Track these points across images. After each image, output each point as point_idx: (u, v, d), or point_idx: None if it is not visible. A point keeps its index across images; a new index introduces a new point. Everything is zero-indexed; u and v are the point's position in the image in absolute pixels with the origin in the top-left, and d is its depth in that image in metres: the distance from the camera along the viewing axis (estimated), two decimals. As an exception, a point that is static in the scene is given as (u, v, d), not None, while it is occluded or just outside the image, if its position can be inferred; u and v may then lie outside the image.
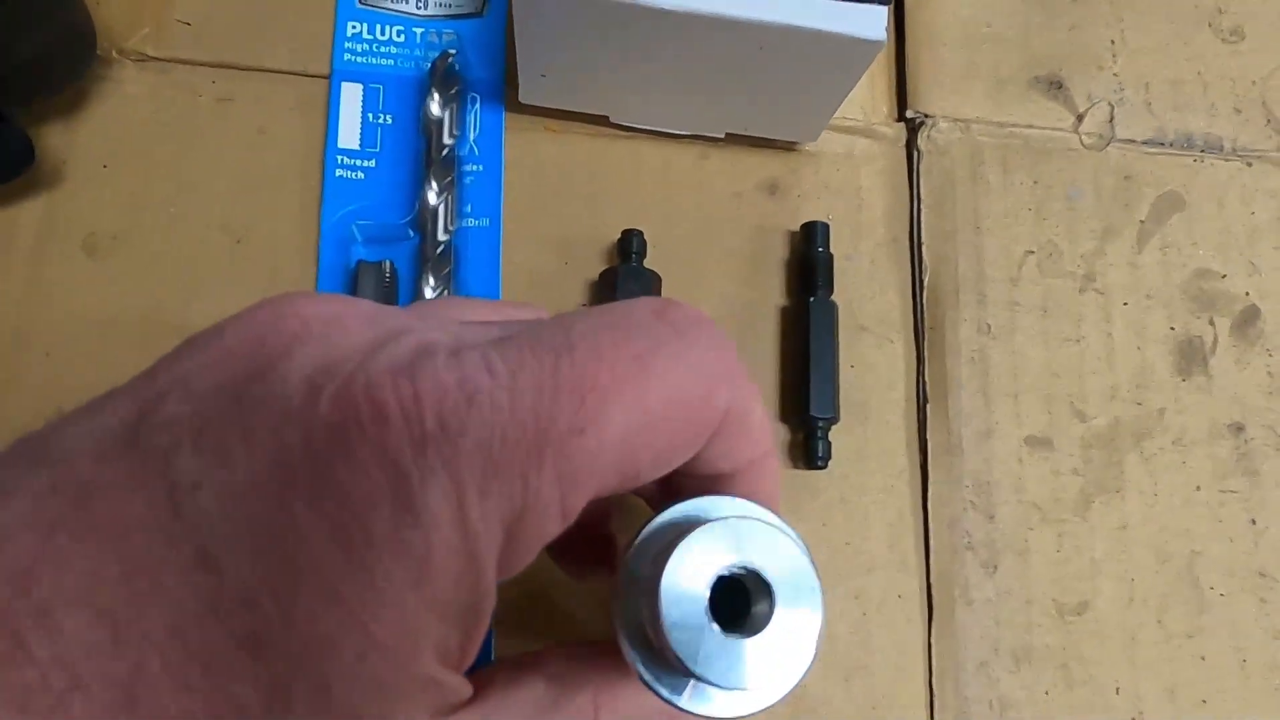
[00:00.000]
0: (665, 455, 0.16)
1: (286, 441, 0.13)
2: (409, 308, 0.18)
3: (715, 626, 0.17)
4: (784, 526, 0.19)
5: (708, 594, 0.18)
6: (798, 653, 0.18)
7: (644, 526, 0.21)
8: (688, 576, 0.18)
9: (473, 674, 0.17)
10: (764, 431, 0.19)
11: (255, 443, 0.13)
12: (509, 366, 0.14)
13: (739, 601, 0.19)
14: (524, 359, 0.14)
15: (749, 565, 0.18)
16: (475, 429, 0.14)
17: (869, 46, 0.27)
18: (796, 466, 0.31)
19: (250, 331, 0.15)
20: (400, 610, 0.13)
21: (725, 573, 0.18)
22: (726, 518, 0.18)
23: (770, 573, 0.18)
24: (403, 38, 0.33)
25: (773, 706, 0.20)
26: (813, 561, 0.19)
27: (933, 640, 0.30)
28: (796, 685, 0.19)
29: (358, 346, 0.14)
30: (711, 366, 0.16)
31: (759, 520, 0.18)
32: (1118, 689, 0.30)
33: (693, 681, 0.19)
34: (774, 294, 0.33)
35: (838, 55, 0.27)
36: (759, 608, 0.19)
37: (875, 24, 0.26)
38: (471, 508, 0.14)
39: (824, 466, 0.30)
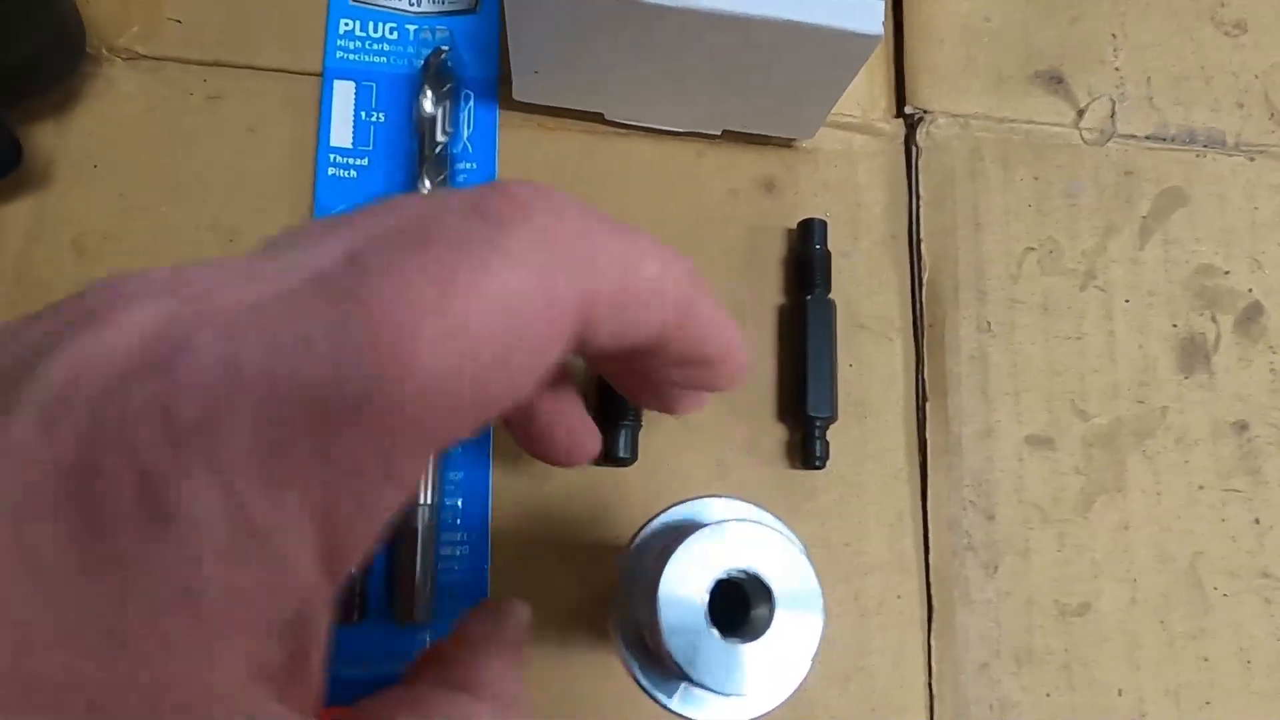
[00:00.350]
0: (517, 377, 0.13)
1: (29, 479, 0.11)
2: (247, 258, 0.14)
3: (714, 631, 0.17)
4: (784, 529, 0.19)
5: (706, 598, 0.18)
6: (798, 658, 0.18)
7: (641, 529, 0.20)
8: (686, 580, 0.18)
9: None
10: (711, 327, 0.17)
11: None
12: (290, 329, 0.12)
13: (736, 605, 0.19)
14: (305, 315, 0.12)
15: (748, 569, 0.18)
16: (247, 411, 0.11)
17: (866, 41, 0.26)
18: (794, 466, 0.30)
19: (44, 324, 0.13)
20: (171, 637, 0.11)
21: (724, 576, 0.18)
22: (725, 521, 0.18)
23: (770, 577, 0.18)
24: (395, 35, 0.33)
25: (769, 714, 0.19)
26: (812, 564, 0.18)
27: (933, 641, 0.29)
28: (796, 690, 0.19)
29: (116, 342, 0.12)
30: (546, 256, 0.13)
31: (758, 523, 0.18)
32: (1120, 691, 0.29)
33: (688, 686, 0.19)
34: (771, 292, 0.32)
35: (834, 50, 0.27)
36: (758, 612, 0.18)
37: (872, 18, 0.26)
38: (254, 503, 0.12)
39: (822, 466, 0.30)
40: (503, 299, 0.13)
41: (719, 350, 0.18)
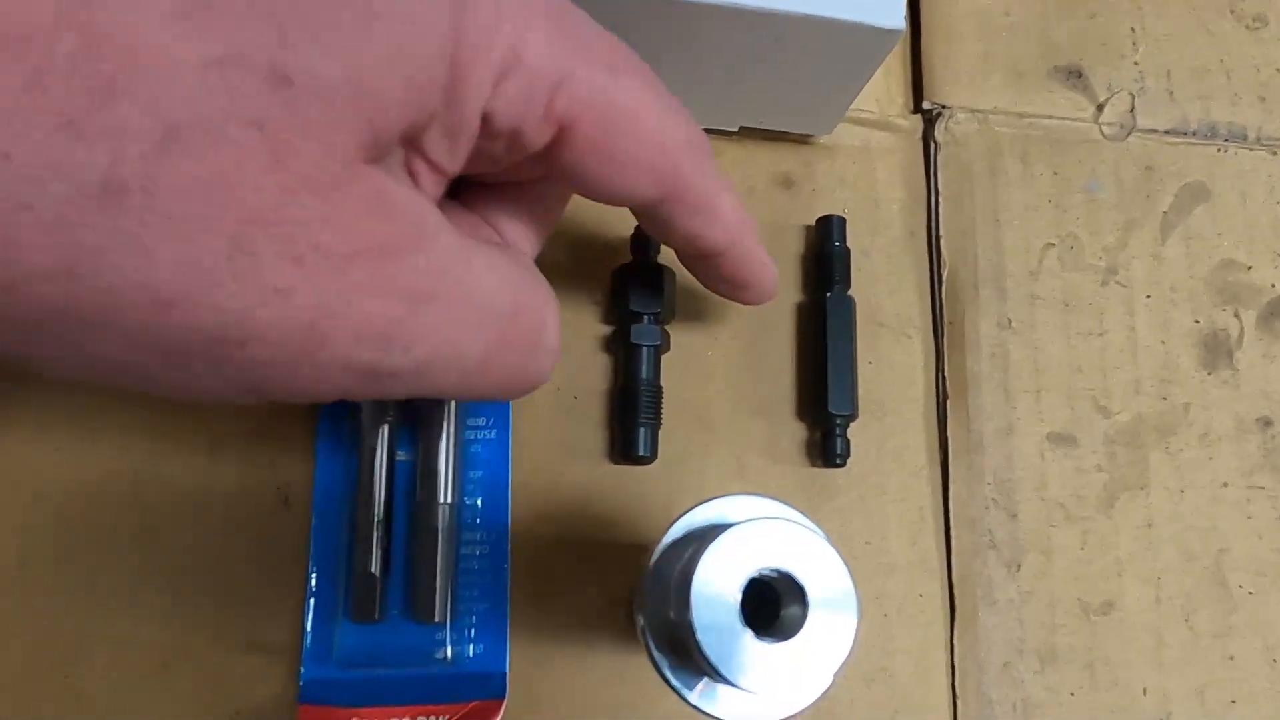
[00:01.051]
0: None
1: None
2: None
3: (748, 631, 0.17)
4: (815, 528, 0.19)
5: (739, 597, 0.17)
6: (831, 657, 0.17)
7: (671, 526, 0.20)
8: (719, 579, 0.17)
9: None
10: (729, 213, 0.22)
11: None
12: None
13: (769, 604, 0.19)
14: None
15: (781, 568, 0.18)
16: None
17: (886, 36, 0.26)
18: (815, 465, 0.30)
19: None
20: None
21: (757, 575, 0.18)
22: (757, 519, 0.18)
23: (804, 576, 0.18)
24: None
25: (800, 714, 0.19)
26: (846, 564, 0.18)
27: (955, 641, 0.29)
28: (825, 692, 0.19)
29: None
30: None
31: (791, 521, 0.18)
32: (1145, 690, 0.29)
33: (719, 685, 0.19)
34: (790, 290, 0.32)
35: (854, 45, 0.27)
36: (790, 611, 0.18)
37: (893, 12, 0.26)
38: None
39: (843, 464, 0.29)
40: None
41: (722, 243, 0.23)
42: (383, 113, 0.15)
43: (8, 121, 0.12)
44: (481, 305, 0.18)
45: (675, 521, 0.20)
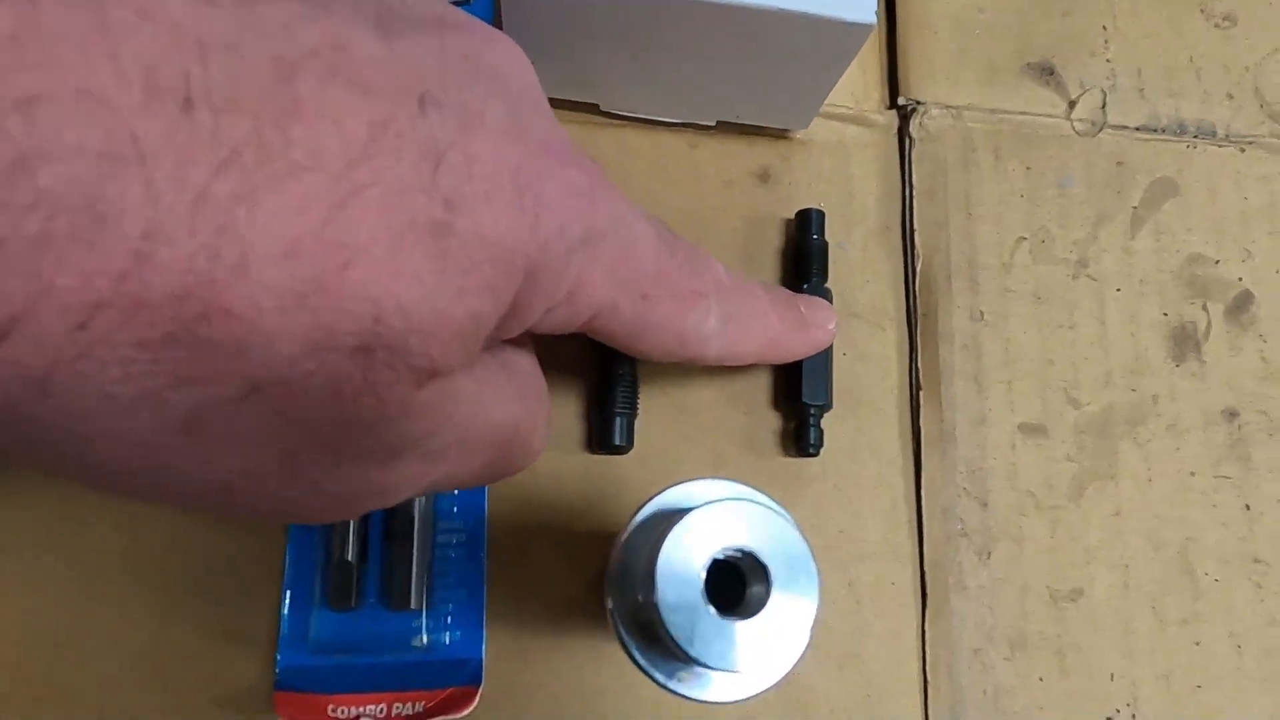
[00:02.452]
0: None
1: None
2: None
3: (711, 608, 0.17)
4: (778, 509, 0.19)
5: (703, 575, 0.18)
6: (794, 635, 0.18)
7: (640, 509, 0.20)
8: (683, 558, 0.18)
9: None
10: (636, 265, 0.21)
11: None
12: None
13: (734, 584, 0.19)
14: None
15: (745, 548, 0.18)
16: None
17: (859, 30, 0.26)
18: (789, 454, 0.31)
19: None
20: None
21: (721, 555, 0.18)
22: (723, 500, 0.18)
23: (766, 555, 0.18)
24: (390, 26, 0.33)
25: (765, 693, 0.19)
26: (808, 544, 0.19)
27: (926, 628, 0.30)
28: (792, 669, 0.19)
29: None
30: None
31: (754, 503, 0.18)
32: (1112, 675, 0.30)
33: (687, 666, 0.19)
34: (769, 283, 0.33)
35: (827, 39, 0.27)
36: (754, 590, 0.18)
37: (865, 7, 0.26)
38: None
39: (816, 454, 0.30)
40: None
41: (751, 359, 0.27)
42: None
43: None
44: (481, 437, 0.18)
45: (643, 505, 0.20)
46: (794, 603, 0.18)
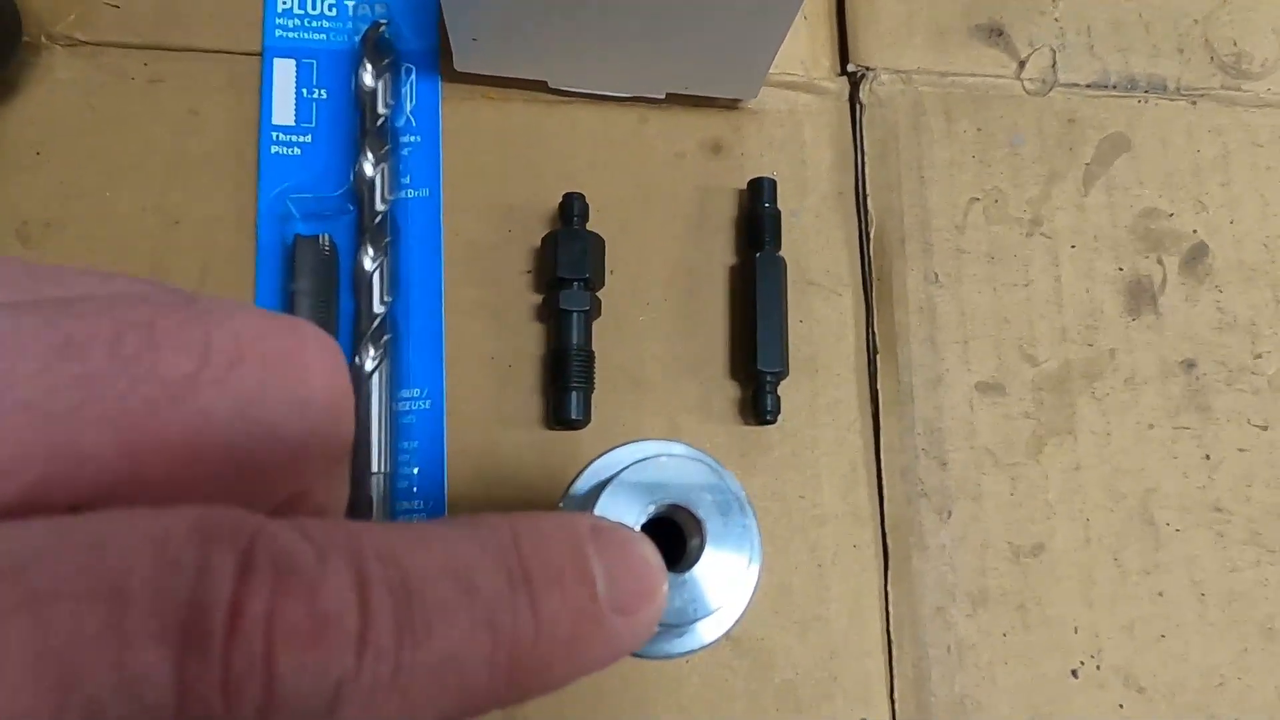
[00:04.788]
0: None
1: None
2: None
3: None
4: (715, 465, 0.19)
5: (637, 530, 0.18)
6: (734, 585, 0.18)
7: (580, 473, 0.21)
8: (617, 516, 0.18)
9: None
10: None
11: None
12: None
13: (676, 541, 0.19)
14: None
15: (676, 502, 0.18)
16: None
17: (793, -7, 0.26)
18: (747, 422, 0.31)
19: None
20: None
21: (653, 510, 0.18)
22: (656, 457, 0.18)
23: (699, 509, 0.18)
24: (334, 12, 0.32)
25: (716, 643, 0.19)
26: (744, 496, 0.19)
27: (889, 588, 0.30)
28: (736, 622, 0.19)
29: None
30: None
31: (687, 458, 0.18)
32: (1076, 628, 0.30)
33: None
34: (722, 253, 0.33)
35: (762, 4, 0.27)
36: (693, 543, 0.19)
37: (799, -31, 0.26)
38: None
39: (773, 421, 0.30)
40: None
41: None
42: None
43: None
44: None
45: (578, 475, 0.20)
46: (730, 552, 0.18)
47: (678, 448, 0.20)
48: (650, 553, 0.14)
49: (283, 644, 0.10)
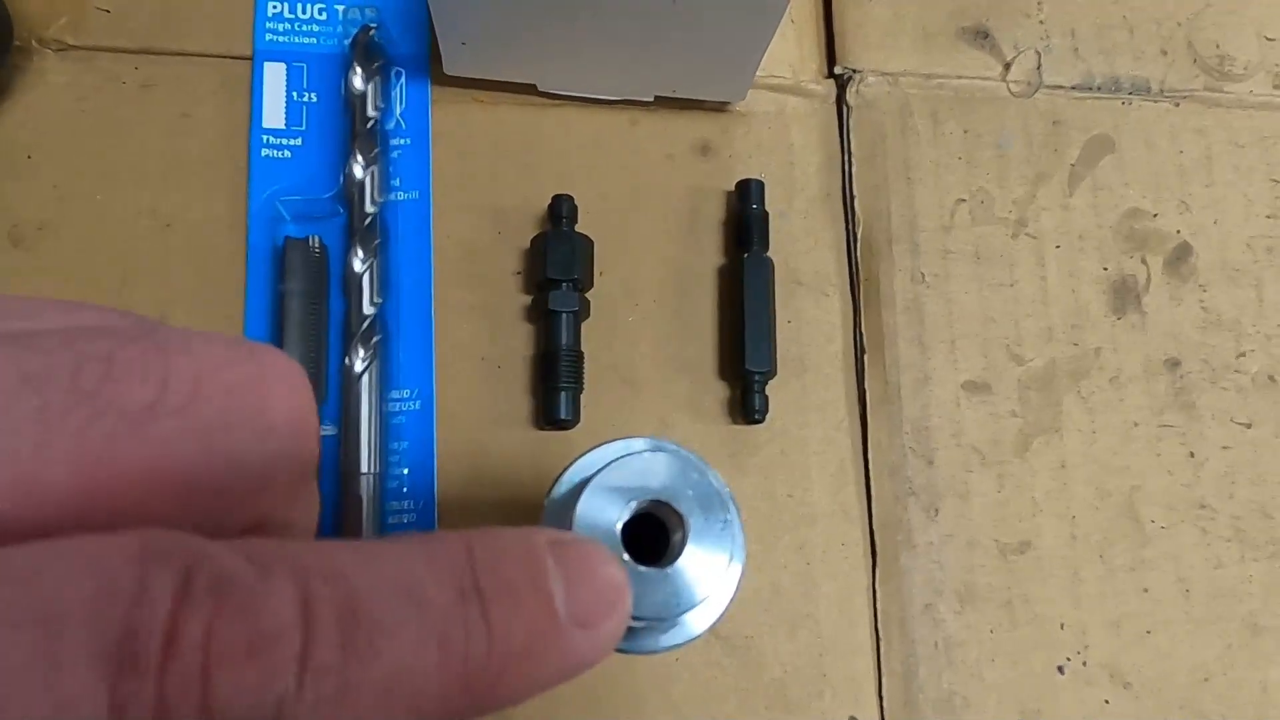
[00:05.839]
0: None
1: None
2: None
3: (626, 557, 0.18)
4: (697, 460, 0.20)
5: (620, 527, 0.18)
6: (718, 579, 0.18)
7: (564, 471, 0.21)
8: (600, 512, 0.18)
9: None
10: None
11: None
12: None
13: (660, 536, 0.19)
14: None
15: (659, 498, 0.18)
16: None
17: (778, -4, 0.27)
18: (736, 422, 0.31)
19: None
20: None
21: (636, 507, 0.18)
22: (639, 454, 0.19)
23: (681, 504, 0.18)
24: (324, 15, 0.33)
25: (700, 637, 0.20)
26: (726, 491, 0.19)
27: (877, 586, 0.30)
28: (720, 617, 0.20)
29: None
30: None
31: (669, 454, 0.18)
32: (1062, 624, 0.30)
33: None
34: (711, 254, 0.33)
35: (748, 8, 0.27)
36: (675, 538, 0.19)
37: (784, -28, 0.26)
38: None
39: (761, 420, 0.30)
40: None
41: None
42: None
43: None
44: None
45: (562, 473, 0.20)
46: (714, 545, 0.18)
47: (659, 443, 0.20)
48: (613, 566, 0.14)
49: (219, 663, 0.10)
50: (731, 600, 0.19)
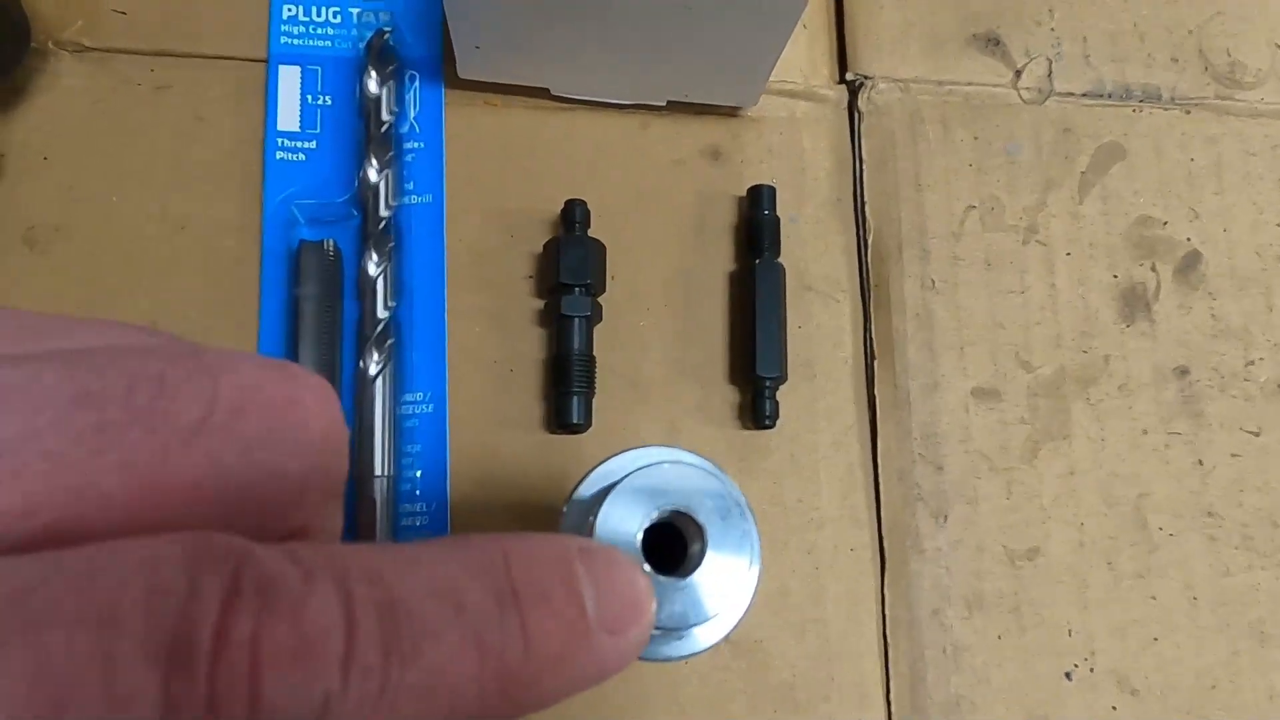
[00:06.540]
0: None
1: None
2: None
3: (646, 567, 0.18)
4: (716, 470, 0.20)
5: (640, 537, 0.18)
6: (734, 591, 0.18)
7: (583, 479, 0.21)
8: (620, 521, 0.18)
9: None
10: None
11: None
12: None
13: (677, 545, 0.19)
14: None
15: (678, 508, 0.18)
16: None
17: (792, 5, 0.27)
18: (746, 426, 0.31)
19: None
20: None
21: (656, 516, 0.18)
22: (660, 463, 0.19)
23: (701, 514, 0.18)
24: (339, 19, 0.33)
25: (715, 646, 0.20)
26: (745, 502, 0.19)
27: (885, 590, 0.30)
28: (736, 626, 0.20)
29: None
30: None
31: (690, 465, 0.19)
32: (1070, 631, 0.30)
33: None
34: (722, 259, 0.33)
35: (763, 15, 0.27)
36: (694, 549, 0.19)
37: (798, -19, 0.27)
38: None
39: (772, 425, 0.30)
40: None
41: None
42: None
43: None
44: None
45: (582, 480, 0.20)
46: (731, 558, 0.18)
47: (679, 454, 0.20)
48: (638, 574, 0.14)
49: (267, 663, 0.10)
50: (746, 611, 0.19)
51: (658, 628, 0.18)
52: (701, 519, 0.18)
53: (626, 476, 0.18)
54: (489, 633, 0.12)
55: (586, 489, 0.21)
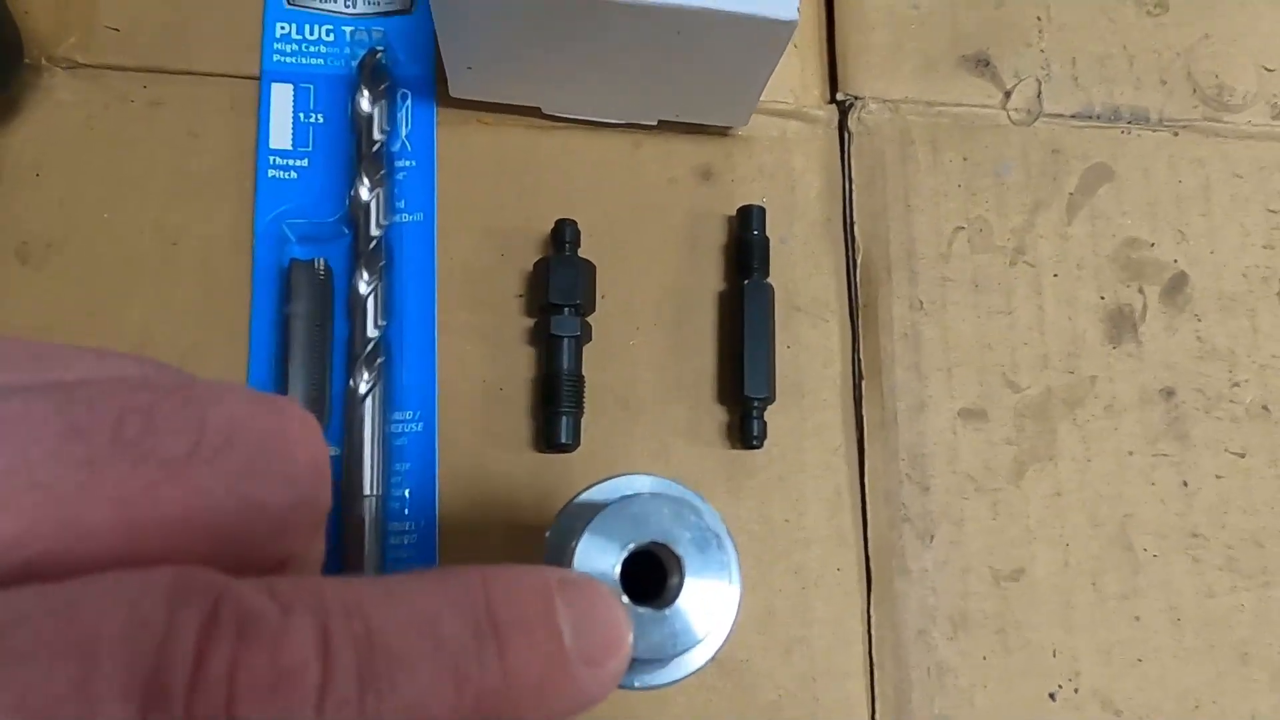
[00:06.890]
0: None
1: None
2: None
3: (625, 599, 0.18)
4: (696, 501, 0.20)
5: (618, 569, 0.18)
6: (712, 621, 0.18)
7: (565, 508, 0.21)
8: (599, 552, 0.18)
9: None
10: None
11: None
12: None
13: (657, 576, 0.20)
14: None
15: (657, 539, 0.18)
16: None
17: (782, 27, 0.27)
18: (734, 447, 0.31)
19: None
20: None
21: (634, 547, 0.18)
22: (640, 494, 0.19)
23: (679, 547, 0.18)
24: (332, 37, 0.33)
25: (696, 673, 0.20)
26: (726, 533, 0.19)
27: (871, 610, 0.30)
28: (715, 654, 0.20)
29: None
30: None
31: (670, 496, 0.19)
32: (1054, 651, 0.30)
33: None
34: (711, 279, 0.33)
35: (753, 37, 0.28)
36: (672, 580, 0.19)
37: (787, 4, 0.27)
38: None
39: (760, 446, 0.30)
40: None
41: None
42: None
43: None
44: None
45: (569, 504, 0.21)
46: (709, 589, 0.18)
47: (662, 483, 0.20)
48: (617, 606, 0.14)
49: (244, 696, 0.10)
50: (727, 638, 0.19)
51: (636, 658, 0.18)
52: (680, 551, 0.18)
53: (604, 510, 0.19)
54: (467, 664, 0.12)
55: (566, 519, 0.21)
